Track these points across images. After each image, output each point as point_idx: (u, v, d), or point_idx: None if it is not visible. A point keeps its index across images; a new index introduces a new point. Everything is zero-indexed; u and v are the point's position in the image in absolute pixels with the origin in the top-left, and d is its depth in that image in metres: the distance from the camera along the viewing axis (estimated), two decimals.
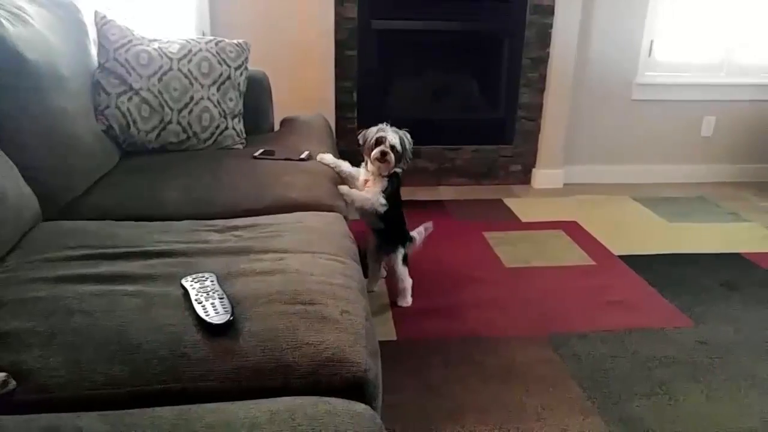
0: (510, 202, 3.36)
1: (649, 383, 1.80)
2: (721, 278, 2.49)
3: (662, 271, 2.54)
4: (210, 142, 2.19)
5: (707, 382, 1.81)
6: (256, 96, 2.42)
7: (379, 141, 1.98)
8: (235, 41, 2.27)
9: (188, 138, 2.15)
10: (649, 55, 3.60)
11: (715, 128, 3.81)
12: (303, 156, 2.05)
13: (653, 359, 1.92)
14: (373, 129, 2.03)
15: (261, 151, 2.10)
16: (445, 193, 3.52)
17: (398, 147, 2.00)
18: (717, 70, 3.69)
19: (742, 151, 3.89)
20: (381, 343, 1.93)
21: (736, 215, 3.27)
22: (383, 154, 1.98)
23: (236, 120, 2.24)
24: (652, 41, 3.58)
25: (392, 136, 1.99)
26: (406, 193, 3.41)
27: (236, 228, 1.52)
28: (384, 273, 2.31)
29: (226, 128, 2.20)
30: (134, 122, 2.05)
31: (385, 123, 2.05)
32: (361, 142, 2.05)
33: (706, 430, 1.60)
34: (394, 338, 2.01)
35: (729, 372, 1.86)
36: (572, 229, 2.97)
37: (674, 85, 3.68)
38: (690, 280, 2.46)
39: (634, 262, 2.62)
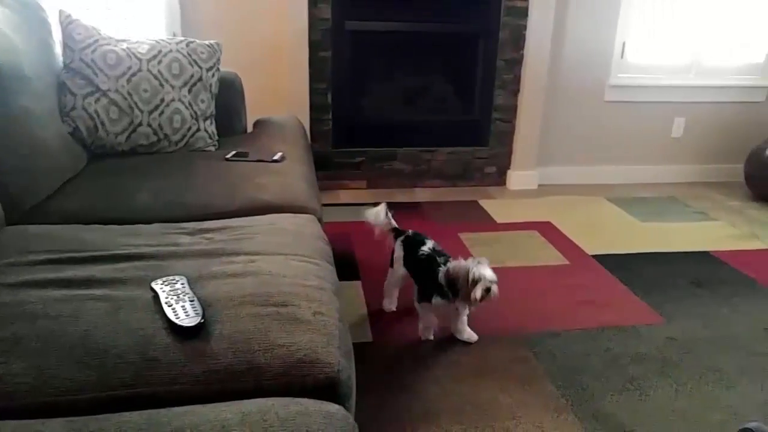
0: (485, 204, 3.38)
1: (621, 379, 1.82)
2: (690, 276, 2.53)
3: (634, 269, 2.58)
4: (181, 144, 2.16)
5: (676, 377, 1.84)
6: (228, 97, 2.40)
7: (476, 280, 1.79)
8: (206, 42, 2.24)
9: (159, 140, 2.11)
10: (622, 56, 3.65)
11: (685, 129, 3.88)
12: (276, 157, 2.04)
13: (625, 356, 1.94)
14: (463, 266, 1.83)
15: (233, 153, 2.08)
16: (421, 195, 3.53)
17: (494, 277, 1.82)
18: (686, 72, 3.76)
19: (711, 152, 3.96)
20: (357, 345, 1.93)
21: (704, 214, 3.33)
22: (488, 290, 1.79)
23: (208, 122, 2.22)
24: (624, 43, 3.63)
25: (486, 270, 1.80)
26: (383, 196, 3.44)
27: (208, 230, 1.51)
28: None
29: (198, 130, 2.18)
30: (102, 124, 2.01)
31: (472, 260, 1.85)
32: (446, 281, 1.86)
33: (675, 423, 1.63)
34: (370, 340, 2.01)
35: (697, 366, 1.90)
36: (546, 230, 3.00)
37: (645, 87, 3.74)
38: (661, 279, 2.50)
39: (608, 261, 2.65)
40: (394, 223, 2.16)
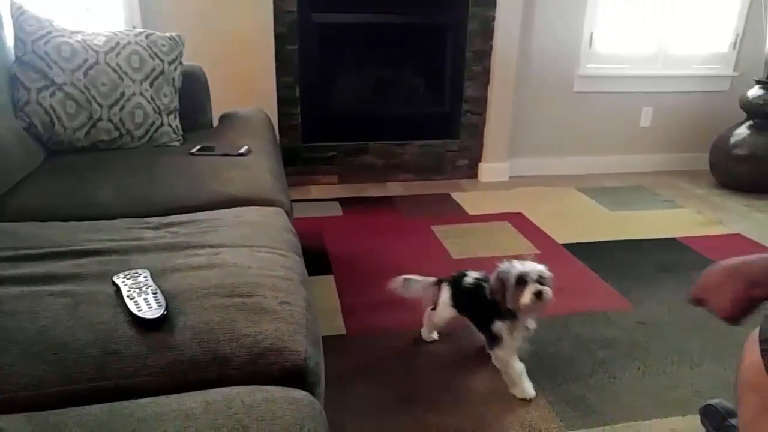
0: (457, 196, 3.39)
1: (591, 364, 1.84)
2: (657, 262, 2.57)
3: (604, 257, 2.61)
4: (145, 139, 2.12)
5: (644, 359, 1.88)
6: (192, 91, 2.35)
7: (522, 279, 1.57)
8: (167, 34, 2.20)
9: (121, 136, 2.07)
10: (590, 47, 3.69)
11: (653, 119, 3.94)
12: (242, 151, 2.01)
13: (595, 341, 1.96)
14: (504, 269, 1.61)
15: (199, 147, 2.05)
16: (394, 189, 3.52)
17: (547, 275, 1.60)
18: (653, 61, 3.82)
19: (677, 141, 4.03)
20: (330, 337, 1.94)
21: (672, 202, 3.39)
22: (539, 294, 1.56)
23: (172, 116, 2.18)
24: (592, 33, 3.66)
25: (533, 266, 1.60)
26: (355, 191, 3.43)
27: (172, 224, 1.48)
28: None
29: (162, 125, 2.14)
30: (59, 119, 1.96)
31: (506, 263, 1.63)
32: (493, 290, 1.64)
33: (642, 402, 1.66)
34: (343, 332, 2.00)
35: (663, 348, 1.94)
36: (518, 221, 3.02)
37: (614, 77, 3.78)
38: (630, 265, 2.54)
39: (578, 249, 2.68)
40: (432, 278, 1.92)
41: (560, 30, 3.60)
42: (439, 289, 1.86)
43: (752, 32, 3.81)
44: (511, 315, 1.63)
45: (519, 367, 1.69)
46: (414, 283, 1.90)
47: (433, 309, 1.89)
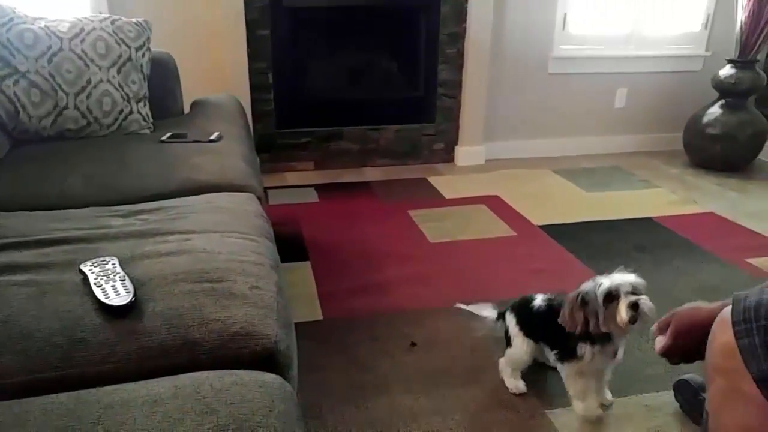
0: (434, 181, 3.39)
1: None
2: (633, 242, 2.60)
3: (580, 238, 2.63)
4: (114, 127, 2.08)
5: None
6: (162, 78, 2.32)
7: (613, 296, 1.36)
8: (134, 20, 2.15)
9: (89, 124, 2.03)
10: (564, 28, 3.69)
11: (627, 99, 3.96)
12: (213, 137, 1.98)
13: None
14: (586, 288, 1.39)
15: (169, 134, 2.02)
16: (371, 174, 3.51)
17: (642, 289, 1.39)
18: (626, 42, 3.83)
19: (652, 121, 4.06)
20: (306, 323, 1.93)
21: (647, 182, 3.42)
22: (635, 306, 1.35)
23: (141, 104, 2.14)
24: (565, 14, 3.66)
25: (622, 276, 1.38)
26: (331, 176, 3.42)
27: (142, 212, 1.46)
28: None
29: (131, 112, 2.10)
30: (24, 108, 1.92)
31: (587, 282, 1.42)
32: (572, 320, 1.41)
33: (619, 379, 1.67)
34: (320, 318, 1.99)
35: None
36: (494, 203, 3.03)
37: (588, 58, 3.79)
38: (606, 246, 2.56)
39: (554, 231, 2.69)
40: (494, 312, 1.75)
41: (533, 11, 3.59)
42: (504, 319, 1.67)
43: (723, 12, 3.84)
44: (602, 339, 1.42)
45: (590, 383, 1.51)
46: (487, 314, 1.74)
47: (508, 346, 1.65)
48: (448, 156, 3.73)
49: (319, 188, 3.23)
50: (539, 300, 1.59)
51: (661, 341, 1.26)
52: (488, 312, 1.75)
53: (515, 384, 1.65)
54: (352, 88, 3.65)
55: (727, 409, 0.98)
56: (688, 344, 1.19)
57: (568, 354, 1.48)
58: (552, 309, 1.52)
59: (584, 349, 1.44)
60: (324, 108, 3.52)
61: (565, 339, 1.46)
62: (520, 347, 1.60)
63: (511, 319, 1.64)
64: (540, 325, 1.56)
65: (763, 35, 3.41)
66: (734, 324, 0.94)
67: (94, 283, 1.06)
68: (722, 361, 0.97)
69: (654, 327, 1.30)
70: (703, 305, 1.20)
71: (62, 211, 1.47)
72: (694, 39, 3.94)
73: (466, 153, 3.70)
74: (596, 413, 1.54)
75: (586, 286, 1.40)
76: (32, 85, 1.92)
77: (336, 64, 3.60)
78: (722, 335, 0.96)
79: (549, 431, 1.50)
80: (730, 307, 0.96)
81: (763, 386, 0.90)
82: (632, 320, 1.35)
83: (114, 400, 0.81)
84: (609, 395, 1.62)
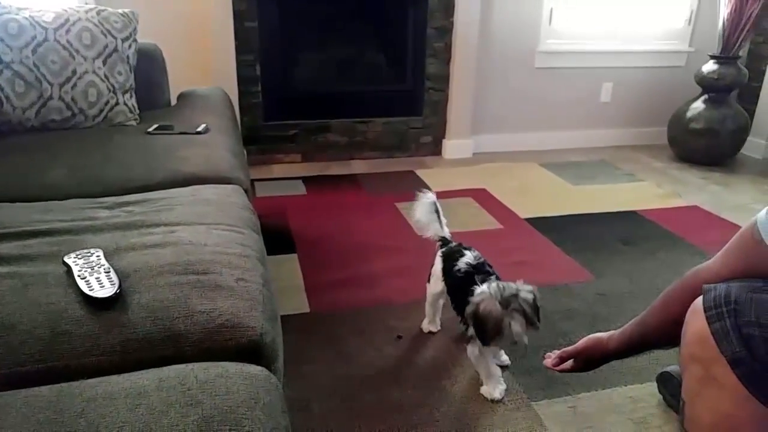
0: (422, 173, 3.40)
1: (553, 335, 1.87)
2: (618, 235, 2.62)
3: (566, 231, 2.65)
4: (99, 119, 2.06)
5: (604, 330, 1.89)
6: (149, 70, 2.30)
7: (505, 334, 1.44)
8: (120, 11, 2.13)
9: (74, 115, 2.01)
10: (550, 23, 3.70)
11: (613, 94, 3.99)
12: (200, 129, 1.97)
13: (557, 312, 1.99)
14: (494, 312, 1.42)
15: (156, 126, 2.00)
16: (358, 166, 3.51)
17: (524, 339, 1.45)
18: (612, 37, 3.85)
19: (637, 116, 4.10)
20: (294, 316, 1.93)
21: (632, 176, 3.45)
22: (514, 344, 1.46)
23: (128, 95, 2.12)
24: (551, 9, 3.67)
25: (518, 327, 1.43)
26: (319, 169, 3.41)
27: (127, 204, 1.45)
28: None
29: (117, 104, 2.08)
30: (7, 98, 1.89)
31: (491, 285, 1.48)
32: (473, 322, 1.48)
33: (603, 371, 1.63)
34: (307, 310, 1.99)
35: (624, 319, 1.90)
36: (481, 196, 3.04)
37: (574, 53, 3.81)
38: (591, 238, 2.58)
39: (540, 224, 2.71)
40: (444, 229, 1.82)
41: (520, 6, 3.61)
42: (438, 251, 1.76)
43: (706, 8, 3.88)
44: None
45: (492, 369, 1.61)
46: (425, 215, 1.81)
47: (428, 282, 1.78)
48: (435, 149, 3.74)
49: (307, 181, 3.22)
50: (464, 261, 1.63)
51: (555, 362, 1.46)
52: (432, 211, 1.82)
53: (428, 326, 1.87)
54: (340, 81, 3.64)
55: (703, 396, 1.00)
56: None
57: (470, 336, 1.56)
58: (468, 281, 1.57)
59: (472, 332, 1.52)
60: (311, 100, 3.51)
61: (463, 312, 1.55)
62: (433, 289, 1.78)
63: (438, 262, 1.75)
64: (454, 287, 1.66)
65: (744, 32, 3.44)
66: (706, 310, 0.96)
67: (78, 275, 1.05)
68: (696, 349, 0.99)
69: (556, 354, 1.46)
70: (602, 335, 1.42)
71: (46, 202, 1.45)
72: (677, 35, 3.97)
73: (453, 146, 3.70)
74: (496, 397, 1.60)
75: (491, 309, 1.43)
76: (16, 76, 1.90)
77: (324, 57, 3.58)
78: (695, 323, 0.99)
79: (535, 423, 1.52)
80: (701, 297, 0.99)
81: (737, 369, 0.92)
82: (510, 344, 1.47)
83: (97, 392, 0.81)
84: (503, 357, 1.74)
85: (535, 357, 1.75)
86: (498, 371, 1.63)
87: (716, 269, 1.07)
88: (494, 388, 1.60)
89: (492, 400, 1.59)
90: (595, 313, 2.00)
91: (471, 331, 1.52)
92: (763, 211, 0.98)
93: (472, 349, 1.59)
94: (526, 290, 1.48)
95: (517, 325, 1.42)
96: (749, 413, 0.93)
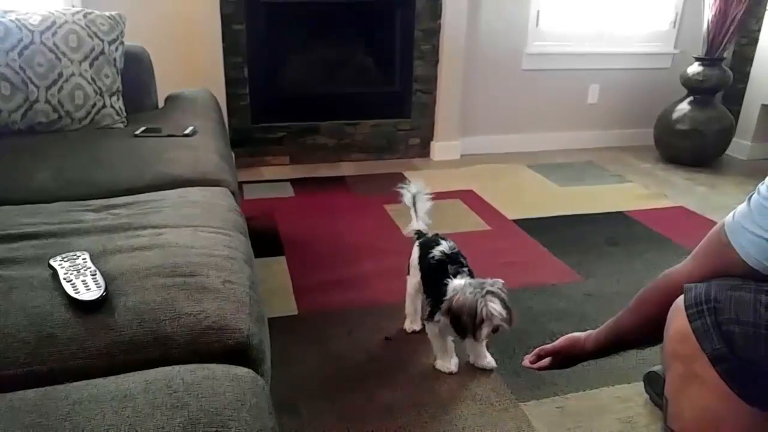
0: (410, 175, 3.40)
1: (542, 336, 1.87)
2: (606, 235, 2.64)
3: (554, 232, 2.66)
4: (86, 121, 2.05)
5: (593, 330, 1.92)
6: (136, 72, 2.29)
7: (483, 320, 1.51)
8: (107, 13, 2.12)
9: (60, 118, 2.00)
10: (537, 25, 3.73)
11: (600, 95, 4.02)
12: (187, 131, 1.97)
13: (546, 314, 2.01)
14: (469, 301, 1.49)
15: (143, 128, 1.99)
16: (346, 168, 3.51)
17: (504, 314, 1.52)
18: (598, 39, 3.88)
19: (624, 117, 4.13)
20: (281, 318, 1.93)
21: (620, 177, 3.47)
22: (496, 329, 1.52)
23: (115, 98, 2.11)
24: (538, 11, 3.70)
25: (495, 305, 1.49)
26: (307, 171, 3.41)
27: (114, 206, 1.44)
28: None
29: (104, 106, 2.07)
30: None
31: (481, 287, 1.51)
32: (450, 315, 1.54)
33: (591, 372, 1.70)
34: (295, 313, 1.99)
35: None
36: (469, 198, 3.05)
37: (561, 55, 3.84)
38: (579, 239, 2.59)
39: (528, 225, 2.72)
40: (418, 222, 1.87)
41: (507, 8, 3.63)
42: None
43: (691, 11, 3.92)
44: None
45: (448, 345, 1.68)
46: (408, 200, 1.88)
47: (408, 274, 1.83)
48: (423, 151, 3.75)
49: (295, 183, 3.22)
50: (439, 250, 1.68)
51: (533, 359, 1.47)
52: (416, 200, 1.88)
53: (410, 325, 1.88)
54: (328, 83, 3.65)
55: (685, 393, 1.01)
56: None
57: (431, 314, 1.64)
58: (442, 270, 1.62)
59: (440, 319, 1.60)
60: (300, 103, 3.51)
61: (435, 300, 1.61)
62: (413, 279, 1.80)
63: (415, 252, 1.80)
64: (427, 275, 1.71)
65: (729, 34, 3.49)
66: (687, 308, 0.98)
67: (64, 278, 1.05)
68: (678, 347, 1.00)
69: (534, 352, 1.47)
70: (580, 335, 1.42)
71: (32, 205, 1.44)
72: (663, 37, 4.01)
73: (441, 148, 3.72)
74: (449, 369, 1.69)
75: (466, 298, 1.50)
76: (2, 78, 1.89)
77: (312, 59, 3.58)
78: (676, 321, 1.00)
79: (523, 423, 1.52)
80: (682, 295, 1.00)
81: (717, 366, 0.93)
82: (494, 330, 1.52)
83: (83, 395, 0.80)
84: (488, 360, 1.73)
85: (523, 357, 1.76)
86: (452, 347, 1.70)
87: (688, 271, 1.09)
88: (449, 361, 1.69)
89: (450, 373, 1.68)
90: (584, 313, 2.01)
91: (438, 315, 1.59)
92: (730, 215, 1.01)
93: (432, 327, 1.67)
94: (497, 282, 1.55)
95: (493, 304, 1.48)
96: (731, 409, 0.94)
